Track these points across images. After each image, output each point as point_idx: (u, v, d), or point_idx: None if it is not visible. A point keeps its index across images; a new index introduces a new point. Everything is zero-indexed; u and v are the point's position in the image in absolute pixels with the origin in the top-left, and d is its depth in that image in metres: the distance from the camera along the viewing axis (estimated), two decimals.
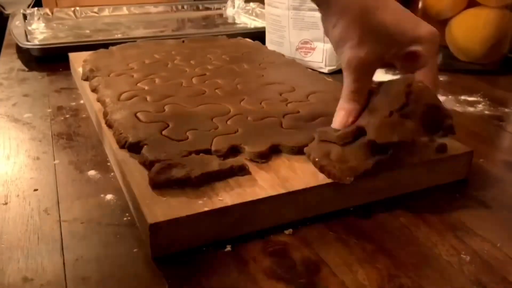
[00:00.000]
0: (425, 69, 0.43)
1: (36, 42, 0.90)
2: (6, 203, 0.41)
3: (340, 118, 0.44)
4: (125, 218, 0.39)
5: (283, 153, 0.44)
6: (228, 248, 0.36)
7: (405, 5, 0.43)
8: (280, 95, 0.57)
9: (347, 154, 0.40)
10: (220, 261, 0.35)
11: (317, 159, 0.40)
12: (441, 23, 0.79)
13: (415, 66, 0.43)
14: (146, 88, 0.58)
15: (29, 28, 0.98)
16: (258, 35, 0.89)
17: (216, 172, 0.39)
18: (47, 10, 1.14)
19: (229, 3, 1.28)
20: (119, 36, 0.98)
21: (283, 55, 0.76)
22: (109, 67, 0.66)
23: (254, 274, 0.33)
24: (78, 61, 0.71)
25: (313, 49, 0.78)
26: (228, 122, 0.49)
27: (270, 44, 0.84)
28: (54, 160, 0.49)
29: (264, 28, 0.86)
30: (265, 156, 0.43)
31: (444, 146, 0.45)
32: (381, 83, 0.44)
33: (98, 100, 0.55)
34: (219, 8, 1.28)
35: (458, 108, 0.65)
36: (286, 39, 0.80)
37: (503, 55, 0.81)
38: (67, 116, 0.60)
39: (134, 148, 0.44)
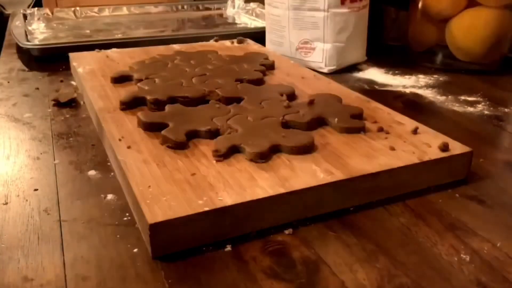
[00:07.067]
0: None
1: (36, 42, 0.90)
2: (6, 203, 0.41)
3: None
4: (125, 218, 0.39)
5: (283, 153, 0.44)
6: (228, 248, 0.36)
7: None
8: (281, 95, 0.57)
9: None
10: (220, 261, 0.35)
11: None
12: (441, 23, 0.79)
13: None
14: (146, 88, 0.58)
15: (29, 28, 0.98)
16: (258, 35, 0.89)
17: None
18: (47, 10, 1.14)
19: (229, 3, 1.28)
20: (119, 36, 0.97)
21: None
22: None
23: (254, 273, 0.33)
24: (78, 61, 0.71)
25: (313, 49, 0.78)
26: (228, 122, 0.49)
27: (270, 44, 0.84)
28: (54, 160, 0.49)
29: (264, 28, 0.86)
30: (265, 156, 0.43)
31: (446, 145, 0.45)
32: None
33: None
34: (219, 8, 1.28)
35: (458, 108, 0.65)
36: (286, 39, 0.80)
37: (503, 55, 0.81)
38: (67, 116, 0.60)
39: None
